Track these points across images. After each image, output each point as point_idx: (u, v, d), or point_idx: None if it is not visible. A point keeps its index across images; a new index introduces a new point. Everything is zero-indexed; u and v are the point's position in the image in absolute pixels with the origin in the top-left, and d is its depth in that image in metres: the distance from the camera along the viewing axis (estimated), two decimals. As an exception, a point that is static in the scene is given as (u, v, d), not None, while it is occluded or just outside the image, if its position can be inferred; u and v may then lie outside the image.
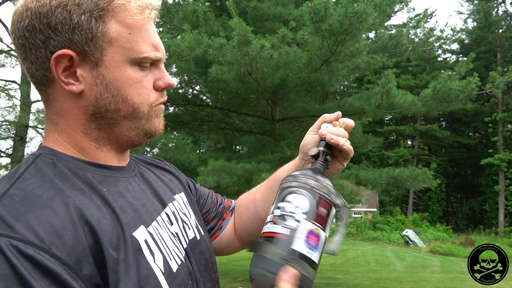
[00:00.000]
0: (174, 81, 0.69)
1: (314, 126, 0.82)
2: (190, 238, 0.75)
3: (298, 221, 0.63)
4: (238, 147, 14.30)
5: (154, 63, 0.67)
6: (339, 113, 0.80)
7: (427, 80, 25.87)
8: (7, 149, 7.47)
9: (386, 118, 35.42)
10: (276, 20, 7.00)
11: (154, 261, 0.60)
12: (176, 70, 7.30)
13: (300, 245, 0.62)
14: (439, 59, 35.82)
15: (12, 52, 7.79)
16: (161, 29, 8.84)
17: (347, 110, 6.98)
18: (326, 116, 0.80)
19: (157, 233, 0.65)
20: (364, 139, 8.03)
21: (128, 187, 0.67)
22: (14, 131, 7.12)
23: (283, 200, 0.67)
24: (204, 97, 8.52)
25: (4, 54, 7.85)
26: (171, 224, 0.72)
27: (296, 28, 6.11)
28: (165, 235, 0.67)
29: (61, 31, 0.60)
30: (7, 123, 6.81)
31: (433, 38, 9.03)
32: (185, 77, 7.86)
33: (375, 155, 32.75)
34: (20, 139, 7.26)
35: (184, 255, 0.70)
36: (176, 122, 7.87)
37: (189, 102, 8.16)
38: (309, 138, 0.81)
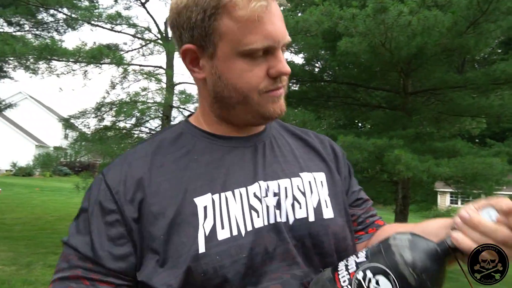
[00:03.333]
0: (288, 68, 0.68)
1: (481, 204, 0.61)
2: (297, 217, 0.73)
3: None
4: (360, 124, 13.75)
5: (270, 50, 0.69)
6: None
7: None
8: (156, 127, 8.49)
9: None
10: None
11: (203, 224, 0.67)
12: (302, 45, 7.28)
13: None
14: None
15: (159, 41, 8.74)
16: (281, 8, 8.86)
17: (497, 78, 6.07)
18: (501, 203, 0.58)
19: (224, 202, 0.70)
20: (519, 110, 6.88)
21: (225, 156, 0.75)
22: (162, 111, 8.04)
23: (372, 271, 0.60)
24: (331, 72, 8.34)
25: (152, 43, 8.87)
26: (265, 196, 0.72)
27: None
28: (236, 206, 0.70)
29: (186, 29, 0.71)
30: (156, 104, 7.71)
31: None
32: (312, 52, 7.79)
33: (525, 131, 28.11)
34: (166, 118, 8.18)
35: (255, 229, 0.69)
36: (302, 99, 7.91)
37: (315, 78, 8.09)
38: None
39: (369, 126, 10.83)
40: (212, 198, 0.69)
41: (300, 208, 0.74)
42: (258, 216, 0.70)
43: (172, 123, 8.37)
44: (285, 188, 0.75)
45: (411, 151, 5.98)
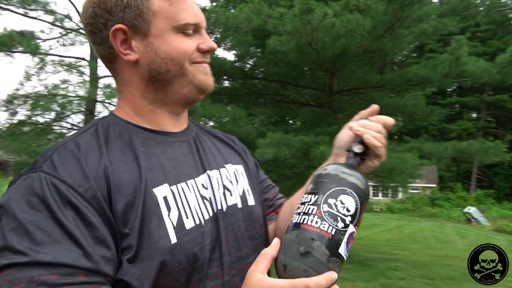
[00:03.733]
0: (216, 45, 0.76)
1: (352, 120, 0.84)
2: (229, 204, 0.81)
3: (347, 225, 0.65)
4: (291, 121, 14.22)
5: (197, 30, 0.77)
6: (375, 106, 0.82)
7: (498, 46, 23.76)
8: (79, 122, 7.98)
9: (449, 89, 33.23)
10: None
11: (168, 215, 0.68)
12: (233, 43, 7.30)
13: (343, 249, 0.64)
14: (512, 22, 32.62)
15: (81, 31, 8.20)
16: (214, 4, 8.83)
17: (411, 79, 6.63)
18: (363, 112, 0.83)
19: (181, 193, 0.73)
20: (428, 110, 7.59)
21: (167, 150, 0.76)
22: (85, 106, 7.58)
23: (333, 197, 0.67)
24: (261, 70, 8.48)
25: (74, 32, 8.29)
26: (206, 188, 0.78)
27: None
28: (191, 196, 0.74)
29: (115, 12, 0.72)
30: (79, 98, 7.25)
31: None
32: (243, 49, 7.84)
33: (436, 128, 31.05)
34: (90, 113, 7.72)
35: (209, 218, 0.75)
36: (232, 96, 7.95)
37: (246, 75, 8.17)
38: (345, 133, 0.84)
39: (299, 123, 11.23)
40: (171, 189, 0.71)
41: (231, 195, 0.82)
42: (210, 205, 0.77)
43: (96, 118, 7.91)
44: (216, 178, 0.82)
45: (336, 147, 6.29)
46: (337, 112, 7.76)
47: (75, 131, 0.88)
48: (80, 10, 0.81)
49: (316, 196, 0.67)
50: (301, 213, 0.67)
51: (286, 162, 6.14)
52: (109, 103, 7.81)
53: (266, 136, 5.92)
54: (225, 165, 0.86)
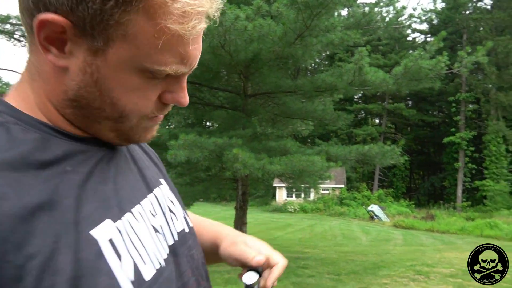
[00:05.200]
0: (188, 100, 0.56)
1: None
2: (178, 230, 0.63)
3: None
4: (208, 123, 14.12)
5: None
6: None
7: (396, 59, 26.33)
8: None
9: (356, 97, 36.02)
10: (250, -9, 6.80)
11: (121, 267, 0.47)
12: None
13: None
14: (408, 38, 36.51)
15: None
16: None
17: (319, 86, 6.97)
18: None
19: (130, 229, 0.51)
20: (335, 115, 8.09)
21: (101, 164, 0.53)
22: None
23: None
24: (175, 70, 8.25)
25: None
26: (154, 215, 0.58)
27: (271, 0, 5.95)
28: (143, 229, 0.53)
29: None
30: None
31: (405, 16, 9.08)
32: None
33: (344, 132, 33.43)
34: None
35: (167, 254, 0.57)
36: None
37: (159, 75, 7.89)
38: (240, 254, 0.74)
39: (216, 125, 11.18)
40: (116, 226, 0.49)
41: (177, 219, 0.65)
42: (164, 238, 0.59)
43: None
44: (161, 198, 0.63)
45: (249, 149, 6.37)
46: (251, 115, 7.86)
47: None
48: None
49: None
50: None
51: (199, 164, 6.02)
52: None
53: (179, 138, 5.76)
54: (160, 180, 0.67)
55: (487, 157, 29.14)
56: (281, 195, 29.25)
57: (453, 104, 31.61)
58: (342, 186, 28.49)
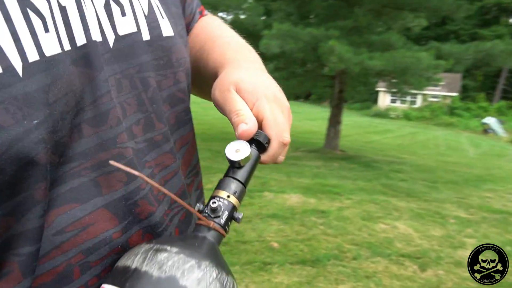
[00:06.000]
0: None
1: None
2: (121, 33, 0.41)
3: None
4: (311, 17, 13.29)
5: None
6: None
7: None
8: None
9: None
10: None
11: None
12: None
13: None
14: None
15: None
16: None
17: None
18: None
19: None
20: (454, 5, 6.83)
21: None
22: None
23: None
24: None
25: None
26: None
27: None
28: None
29: None
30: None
31: None
32: None
33: (467, 33, 28.97)
34: None
35: (46, 57, 0.32)
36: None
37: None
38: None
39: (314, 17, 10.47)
40: None
41: (124, 15, 0.42)
42: (47, 31, 0.33)
43: None
44: None
45: (348, 43, 5.88)
46: (354, 6, 7.10)
47: None
48: None
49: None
50: None
51: (293, 55, 5.80)
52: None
53: (273, 27, 5.52)
54: None
55: None
56: (384, 100, 27.71)
57: None
58: (455, 94, 25.74)
